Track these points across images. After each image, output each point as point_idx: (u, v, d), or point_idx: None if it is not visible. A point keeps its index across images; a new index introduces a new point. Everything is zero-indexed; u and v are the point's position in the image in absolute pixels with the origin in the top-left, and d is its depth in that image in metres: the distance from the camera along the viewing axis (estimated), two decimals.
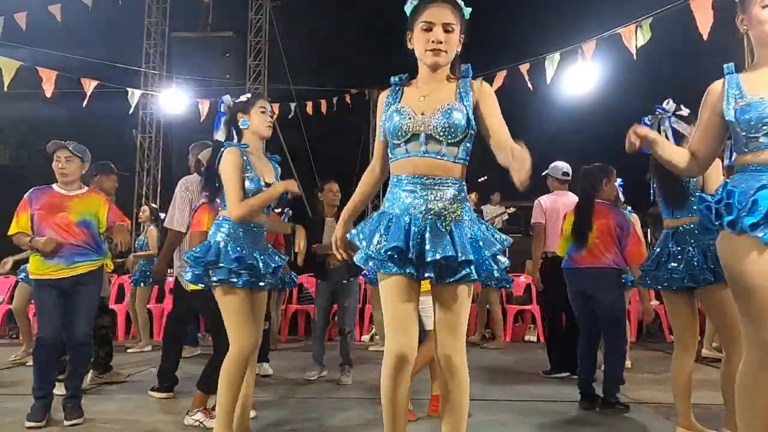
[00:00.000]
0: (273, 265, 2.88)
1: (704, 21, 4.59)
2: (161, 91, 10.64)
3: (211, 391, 3.35)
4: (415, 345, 2.08)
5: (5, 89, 6.45)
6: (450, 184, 2.08)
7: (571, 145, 11.00)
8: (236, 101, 3.01)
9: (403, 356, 2.03)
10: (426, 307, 3.26)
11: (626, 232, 3.91)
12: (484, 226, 2.15)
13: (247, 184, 2.80)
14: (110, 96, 8.58)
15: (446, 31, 2.06)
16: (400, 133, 2.09)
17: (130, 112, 8.85)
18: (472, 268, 2.02)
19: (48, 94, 6.92)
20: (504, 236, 2.14)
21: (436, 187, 2.06)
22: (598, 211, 3.97)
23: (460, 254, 1.98)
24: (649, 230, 5.68)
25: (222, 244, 2.76)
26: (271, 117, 3.03)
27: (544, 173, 5.47)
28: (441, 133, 2.06)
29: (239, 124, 2.95)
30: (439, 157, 2.08)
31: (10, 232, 3.59)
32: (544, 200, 5.39)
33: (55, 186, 3.68)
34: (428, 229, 2.01)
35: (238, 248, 2.77)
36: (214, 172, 2.87)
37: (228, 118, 3.01)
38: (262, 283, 2.86)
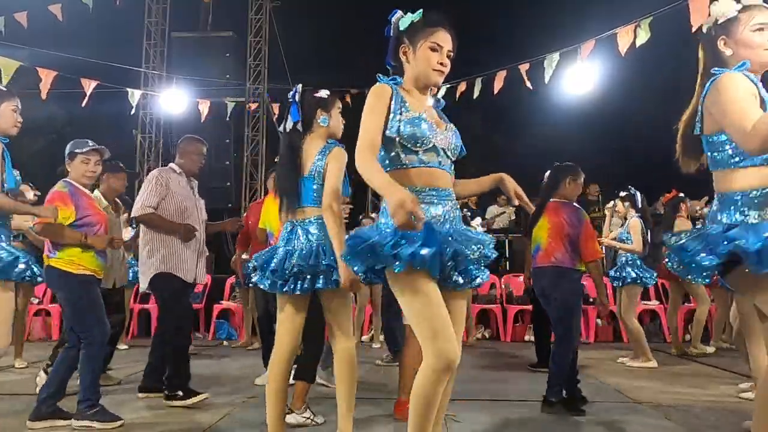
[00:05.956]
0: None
1: (702, 20, 4.60)
2: (161, 91, 10.63)
3: (310, 380, 3.43)
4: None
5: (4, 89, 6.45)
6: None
7: (572, 145, 10.99)
8: (315, 95, 2.90)
9: (454, 363, 1.96)
10: None
11: (579, 229, 3.91)
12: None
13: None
14: (110, 96, 8.57)
15: (448, 57, 2.19)
16: (423, 141, 2.13)
17: (132, 112, 8.84)
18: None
19: (44, 96, 6.92)
20: None
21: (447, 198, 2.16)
22: (550, 209, 4.00)
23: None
24: (649, 231, 5.67)
25: (323, 246, 2.71)
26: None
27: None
28: (453, 151, 2.21)
29: (318, 120, 2.86)
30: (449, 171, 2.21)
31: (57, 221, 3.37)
32: None
33: (75, 183, 3.60)
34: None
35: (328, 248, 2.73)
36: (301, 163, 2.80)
37: (304, 110, 2.87)
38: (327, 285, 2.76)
